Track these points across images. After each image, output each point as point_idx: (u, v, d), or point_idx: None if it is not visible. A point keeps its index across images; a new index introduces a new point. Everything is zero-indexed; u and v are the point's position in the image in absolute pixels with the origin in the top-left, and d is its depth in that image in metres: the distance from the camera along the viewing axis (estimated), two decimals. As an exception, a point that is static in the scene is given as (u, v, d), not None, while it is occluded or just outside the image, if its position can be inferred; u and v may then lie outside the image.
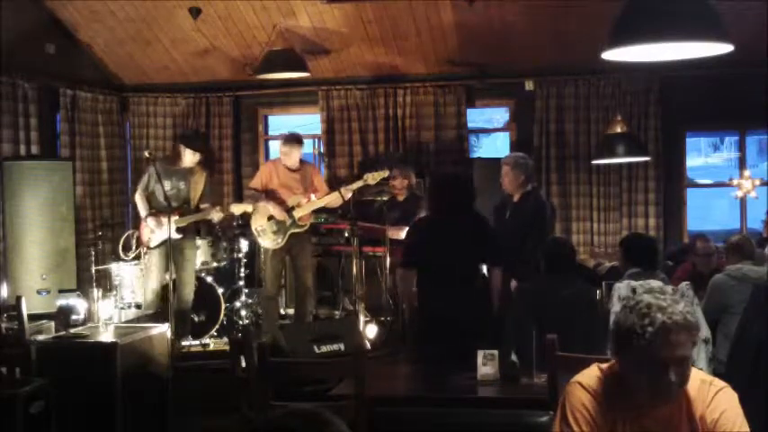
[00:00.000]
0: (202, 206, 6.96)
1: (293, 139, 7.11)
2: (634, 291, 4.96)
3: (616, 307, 4.79)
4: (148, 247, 6.82)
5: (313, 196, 7.05)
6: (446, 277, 4.95)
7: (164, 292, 6.79)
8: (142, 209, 6.87)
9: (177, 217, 6.68)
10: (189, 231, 6.88)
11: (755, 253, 5.37)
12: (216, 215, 6.96)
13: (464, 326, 4.77)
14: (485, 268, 5.26)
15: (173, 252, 6.56)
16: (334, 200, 7.02)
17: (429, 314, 5.02)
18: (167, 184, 6.72)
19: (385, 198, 7.56)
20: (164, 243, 6.67)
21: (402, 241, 6.72)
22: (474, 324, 4.79)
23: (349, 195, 6.90)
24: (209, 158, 7.51)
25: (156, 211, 6.79)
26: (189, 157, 6.90)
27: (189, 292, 6.88)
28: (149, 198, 6.86)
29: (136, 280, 7.18)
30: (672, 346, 2.15)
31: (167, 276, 6.65)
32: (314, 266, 7.49)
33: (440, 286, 4.97)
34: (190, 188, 6.92)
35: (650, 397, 2.21)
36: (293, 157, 7.05)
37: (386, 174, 6.99)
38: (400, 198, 7.53)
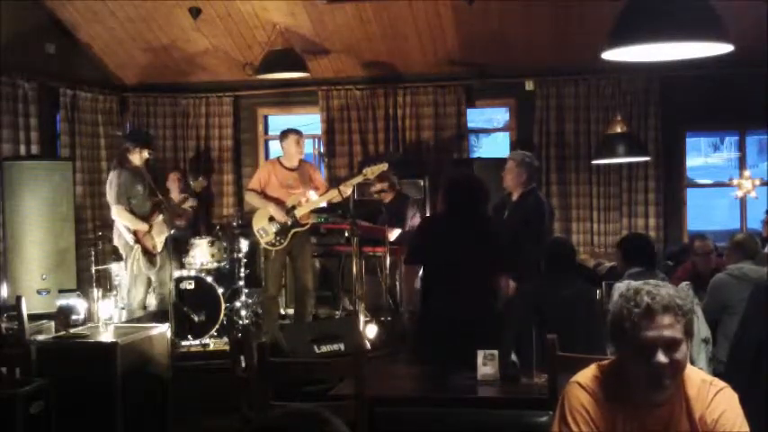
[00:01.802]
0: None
1: (297, 132, 7.17)
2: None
3: (616, 307, 4.80)
4: (157, 253, 6.82)
5: (313, 194, 7.04)
6: (450, 277, 4.90)
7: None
8: (134, 221, 6.75)
9: (160, 218, 6.84)
10: None
11: (758, 253, 5.36)
12: (198, 185, 7.36)
13: (465, 327, 4.75)
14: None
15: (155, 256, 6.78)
16: (334, 197, 7.01)
17: (431, 314, 5.00)
18: (139, 187, 6.76)
19: (377, 198, 7.58)
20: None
21: (408, 237, 6.70)
22: (475, 326, 4.76)
23: (349, 191, 6.89)
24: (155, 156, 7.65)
25: (142, 216, 6.80)
26: (140, 156, 6.89)
27: (165, 291, 6.92)
28: (131, 207, 6.78)
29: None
30: (658, 327, 2.17)
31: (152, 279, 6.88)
32: (314, 266, 7.49)
33: (443, 286, 4.93)
34: (151, 184, 7.00)
35: (645, 384, 2.22)
36: (301, 149, 7.07)
37: (385, 167, 6.96)
38: (387, 200, 7.54)
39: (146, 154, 6.90)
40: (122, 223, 6.76)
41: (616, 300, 2.26)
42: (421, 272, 5.08)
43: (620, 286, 4.78)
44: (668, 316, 2.18)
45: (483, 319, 4.74)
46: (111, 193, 6.80)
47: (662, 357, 2.17)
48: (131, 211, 6.75)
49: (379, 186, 7.47)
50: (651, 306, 2.17)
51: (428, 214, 7.96)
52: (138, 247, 6.71)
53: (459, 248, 4.85)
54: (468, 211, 4.97)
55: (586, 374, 2.38)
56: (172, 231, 6.91)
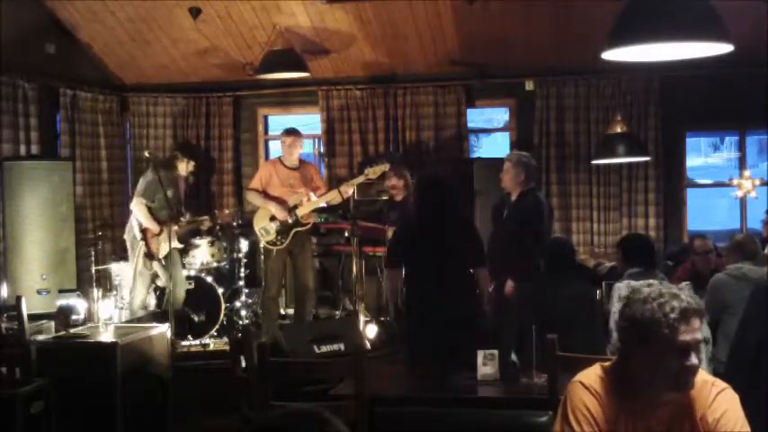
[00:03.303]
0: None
1: (296, 132, 7.18)
2: (634, 291, 4.94)
3: (616, 307, 4.80)
4: (158, 258, 6.85)
5: (313, 194, 7.05)
6: (430, 277, 4.96)
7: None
8: (149, 219, 6.84)
9: (176, 227, 6.86)
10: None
11: (758, 254, 5.36)
12: (222, 216, 7.44)
13: (449, 325, 4.78)
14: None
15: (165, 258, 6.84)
16: (335, 197, 7.02)
17: (415, 314, 5.04)
18: (169, 192, 6.79)
19: (384, 198, 7.56)
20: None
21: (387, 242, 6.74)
22: (459, 323, 4.79)
23: (350, 192, 6.89)
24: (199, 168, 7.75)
25: (158, 220, 6.84)
26: (185, 167, 7.04)
27: (181, 291, 6.93)
28: (152, 207, 6.87)
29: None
30: (691, 330, 2.21)
31: (158, 282, 6.93)
32: (314, 266, 7.49)
33: (424, 286, 4.98)
34: (181, 194, 7.17)
35: (673, 387, 2.24)
36: (296, 149, 7.08)
37: (386, 167, 6.97)
38: (398, 198, 7.52)
39: (191, 165, 7.09)
40: (137, 217, 6.82)
41: (635, 306, 2.24)
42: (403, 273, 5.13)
43: (621, 286, 4.80)
44: (698, 319, 2.22)
45: (462, 314, 4.80)
46: (139, 186, 6.98)
47: (695, 359, 2.21)
48: (149, 210, 6.81)
49: (393, 182, 7.43)
50: (687, 309, 2.20)
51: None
52: (142, 244, 6.75)
53: (432, 247, 4.92)
54: (438, 210, 5.03)
55: (589, 374, 2.38)
56: (180, 246, 6.95)
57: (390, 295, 5.49)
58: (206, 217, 7.43)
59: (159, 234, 6.81)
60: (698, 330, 2.22)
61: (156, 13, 7.87)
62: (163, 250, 6.83)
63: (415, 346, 5.00)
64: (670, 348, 2.20)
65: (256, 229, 7.10)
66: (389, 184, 7.40)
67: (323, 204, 7.20)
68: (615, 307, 4.83)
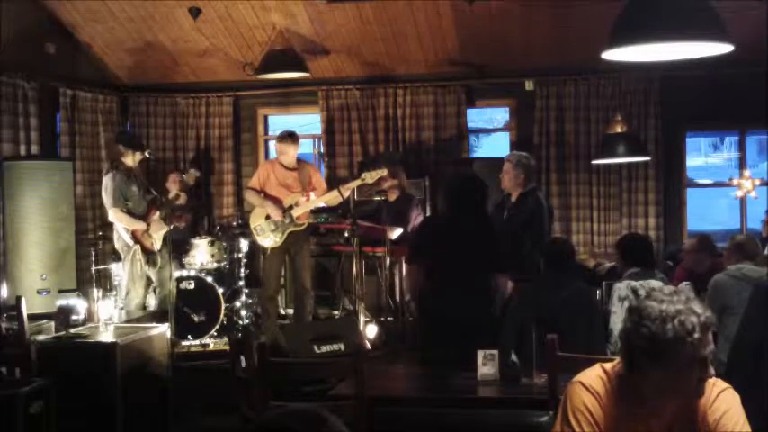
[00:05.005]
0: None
1: (289, 137, 7.11)
2: (634, 291, 4.97)
3: (616, 307, 4.80)
4: (156, 251, 6.84)
5: (312, 195, 7.04)
6: (451, 277, 4.89)
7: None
8: (132, 222, 6.75)
9: (156, 216, 6.82)
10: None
11: (758, 254, 5.35)
12: (190, 177, 7.31)
13: (466, 327, 4.74)
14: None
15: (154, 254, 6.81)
16: (332, 199, 7.00)
17: (432, 314, 5.00)
18: (134, 188, 6.76)
19: (378, 198, 7.56)
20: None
21: (409, 237, 6.69)
22: (477, 326, 4.76)
23: (347, 194, 6.89)
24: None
25: (139, 215, 6.80)
26: (133, 158, 6.88)
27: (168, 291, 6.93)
28: (128, 208, 6.78)
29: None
30: (709, 342, 2.22)
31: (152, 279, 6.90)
32: (313, 266, 7.48)
33: (444, 286, 4.92)
34: (143, 184, 7.02)
35: (688, 397, 2.25)
36: (290, 154, 7.04)
37: (384, 172, 6.97)
38: (392, 198, 7.52)
39: (138, 156, 6.91)
40: (121, 225, 6.76)
41: (655, 325, 2.21)
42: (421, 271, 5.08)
43: (621, 286, 4.80)
44: (711, 331, 2.24)
45: (482, 318, 4.75)
46: (107, 197, 6.78)
47: (712, 369, 2.23)
48: (128, 212, 6.75)
49: (388, 183, 7.44)
50: (706, 324, 2.22)
51: (428, 214, 7.96)
52: (137, 247, 6.72)
53: (459, 247, 4.85)
54: (470, 210, 4.97)
55: (590, 375, 2.37)
56: (171, 227, 6.91)
57: (409, 290, 5.44)
58: (176, 193, 7.37)
59: (148, 229, 6.79)
60: (711, 341, 2.23)
61: (156, 13, 7.87)
62: (157, 241, 6.80)
63: (430, 347, 4.96)
64: (692, 363, 2.21)
65: (252, 226, 7.10)
66: (384, 186, 7.41)
67: (320, 205, 7.19)
68: (615, 307, 4.83)
